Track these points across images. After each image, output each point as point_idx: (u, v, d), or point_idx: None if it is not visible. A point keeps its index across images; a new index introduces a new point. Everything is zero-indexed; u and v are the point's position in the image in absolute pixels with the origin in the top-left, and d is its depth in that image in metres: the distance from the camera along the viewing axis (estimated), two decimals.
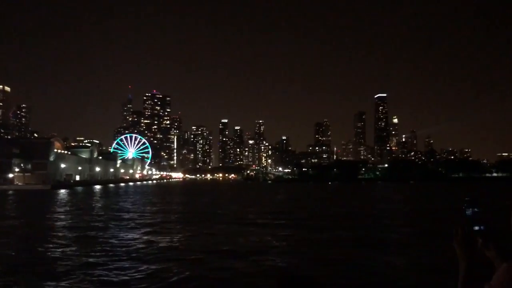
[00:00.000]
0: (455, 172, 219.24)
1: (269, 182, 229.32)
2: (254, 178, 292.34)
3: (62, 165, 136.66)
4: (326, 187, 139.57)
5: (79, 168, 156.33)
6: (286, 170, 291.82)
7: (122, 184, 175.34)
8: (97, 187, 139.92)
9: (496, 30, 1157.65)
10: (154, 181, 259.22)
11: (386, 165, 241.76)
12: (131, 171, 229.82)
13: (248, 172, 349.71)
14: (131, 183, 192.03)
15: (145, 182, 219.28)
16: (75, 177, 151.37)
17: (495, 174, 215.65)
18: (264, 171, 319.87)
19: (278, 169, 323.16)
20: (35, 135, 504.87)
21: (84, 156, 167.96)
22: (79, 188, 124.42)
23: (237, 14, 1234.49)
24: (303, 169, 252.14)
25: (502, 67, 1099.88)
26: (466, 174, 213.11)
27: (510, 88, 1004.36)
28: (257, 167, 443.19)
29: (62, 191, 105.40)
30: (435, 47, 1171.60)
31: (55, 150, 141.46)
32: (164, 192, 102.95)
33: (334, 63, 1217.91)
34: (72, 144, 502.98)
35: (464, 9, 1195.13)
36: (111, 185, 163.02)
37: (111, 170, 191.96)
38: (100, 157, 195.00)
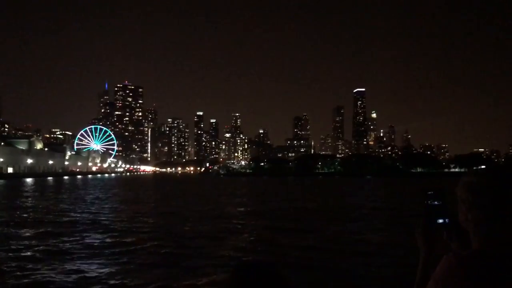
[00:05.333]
0: (413, 167, 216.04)
1: (221, 176, 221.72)
2: (208, 171, 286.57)
3: None
4: (260, 181, 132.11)
5: (12, 160, 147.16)
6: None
7: (66, 177, 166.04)
8: (29, 180, 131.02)
9: (476, 25, 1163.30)
10: (113, 175, 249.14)
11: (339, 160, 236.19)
12: (80, 163, 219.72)
13: (208, 165, 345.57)
14: (79, 176, 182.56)
15: (99, 175, 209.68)
16: (6, 169, 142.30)
17: (454, 170, 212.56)
18: (222, 165, 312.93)
19: (241, 163, 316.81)
20: (6, 126, 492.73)
21: (21, 147, 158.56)
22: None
23: (213, 6, 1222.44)
24: (260, 163, 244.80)
25: (481, 63, 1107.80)
26: (425, 169, 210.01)
27: (489, 84, 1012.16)
28: (233, 160, 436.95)
29: None
30: (414, 42, 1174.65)
31: None
32: (89, 186, 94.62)
33: (313, 57, 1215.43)
34: (50, 136, 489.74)
35: (442, 5, 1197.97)
36: (50, 178, 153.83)
37: (51, 162, 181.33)
38: (46, 149, 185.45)
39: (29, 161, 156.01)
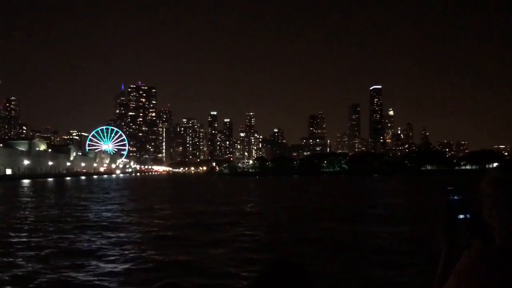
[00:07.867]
0: (422, 164, 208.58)
1: (223, 176, 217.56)
2: (215, 171, 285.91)
3: None
4: (250, 182, 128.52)
5: (10, 161, 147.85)
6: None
7: (68, 178, 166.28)
8: (26, 181, 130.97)
9: (493, 23, 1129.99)
10: (121, 175, 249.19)
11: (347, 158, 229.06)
12: (84, 164, 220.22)
13: (214, 165, 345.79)
14: (83, 177, 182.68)
15: (105, 176, 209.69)
16: (4, 171, 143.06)
17: (465, 167, 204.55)
18: (228, 164, 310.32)
19: (249, 162, 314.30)
20: (24, 128, 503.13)
21: (21, 149, 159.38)
22: None
23: (227, 5, 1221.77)
24: (266, 163, 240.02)
25: (500, 60, 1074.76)
26: (435, 166, 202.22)
27: (508, 81, 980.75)
28: (247, 159, 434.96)
29: None
30: (431, 38, 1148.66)
31: None
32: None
33: (328, 54, 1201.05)
34: (67, 137, 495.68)
35: (461, 1, 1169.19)
36: (50, 179, 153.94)
37: (52, 163, 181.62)
38: (50, 150, 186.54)
39: (27, 162, 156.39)
